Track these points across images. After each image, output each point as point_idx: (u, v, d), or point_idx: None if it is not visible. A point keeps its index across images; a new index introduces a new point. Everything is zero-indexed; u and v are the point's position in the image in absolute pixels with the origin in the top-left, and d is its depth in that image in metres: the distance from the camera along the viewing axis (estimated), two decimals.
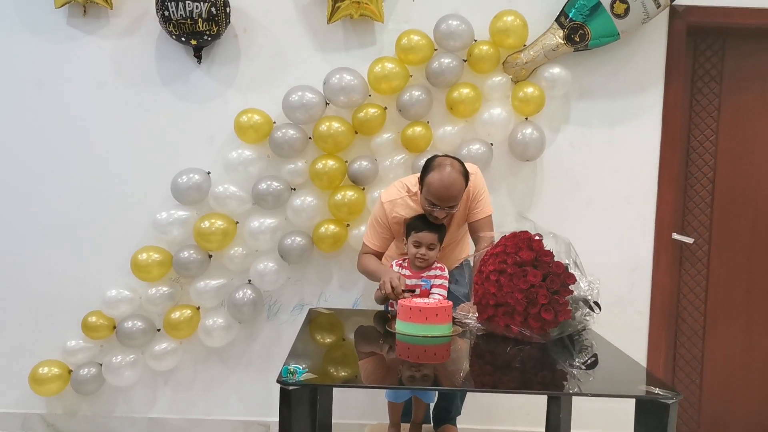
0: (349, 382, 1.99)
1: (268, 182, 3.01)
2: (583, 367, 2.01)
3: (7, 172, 3.17)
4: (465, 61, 3.03)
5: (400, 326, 2.22)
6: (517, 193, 3.18)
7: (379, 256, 2.69)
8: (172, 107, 3.14)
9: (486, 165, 3.01)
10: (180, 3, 2.90)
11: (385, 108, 3.03)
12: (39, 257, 3.19)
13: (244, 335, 3.21)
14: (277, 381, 1.70)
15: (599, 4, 2.92)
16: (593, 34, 2.97)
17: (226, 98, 3.14)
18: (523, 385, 1.90)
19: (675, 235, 3.24)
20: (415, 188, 2.58)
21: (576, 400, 2.55)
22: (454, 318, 2.30)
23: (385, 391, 2.58)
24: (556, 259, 2.16)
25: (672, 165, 3.17)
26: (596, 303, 2.19)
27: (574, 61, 3.08)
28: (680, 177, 3.27)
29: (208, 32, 2.96)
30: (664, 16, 3.07)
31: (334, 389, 2.69)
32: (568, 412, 2.55)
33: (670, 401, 1.68)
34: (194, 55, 3.09)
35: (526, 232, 2.23)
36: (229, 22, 3.02)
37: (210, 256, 3.09)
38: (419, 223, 2.51)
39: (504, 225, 3.03)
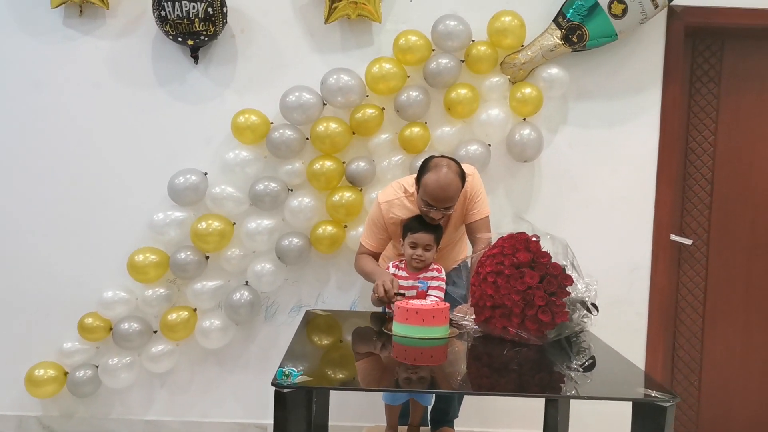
0: (345, 385, 1.98)
1: (266, 183, 3.00)
2: (581, 369, 2.00)
3: (2, 172, 3.16)
4: (463, 61, 3.02)
5: (397, 328, 2.21)
6: (514, 194, 3.17)
7: (375, 256, 2.68)
8: (169, 108, 3.13)
9: (484, 166, 3.00)
10: (177, 3, 2.89)
11: (383, 108, 3.02)
12: (35, 258, 3.18)
13: (241, 337, 3.20)
14: (272, 384, 1.68)
15: (597, 4, 2.91)
16: (591, 35, 2.96)
17: (223, 99, 3.13)
18: (520, 387, 1.89)
19: (673, 237, 3.23)
20: (412, 189, 2.57)
21: (574, 403, 2.54)
22: (451, 320, 2.29)
23: (382, 393, 2.57)
24: (553, 260, 2.15)
25: (670, 166, 3.16)
26: (594, 305, 2.18)
27: (572, 61, 3.07)
28: (679, 178, 3.26)
29: (205, 32, 2.95)
30: (662, 16, 3.07)
31: (331, 391, 2.67)
32: (566, 414, 2.54)
33: (668, 404, 1.67)
34: (191, 56, 3.08)
35: (524, 233, 2.22)
36: (226, 22, 3.00)
37: (207, 258, 3.08)
38: (416, 224, 2.50)
39: (502, 226, 3.00)
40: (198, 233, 2.99)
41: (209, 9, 2.90)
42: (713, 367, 3.33)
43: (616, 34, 2.97)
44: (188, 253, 3.02)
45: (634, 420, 1.80)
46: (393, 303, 2.34)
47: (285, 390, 1.67)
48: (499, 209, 3.08)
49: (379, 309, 2.60)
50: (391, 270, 2.53)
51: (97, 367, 3.11)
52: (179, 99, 3.13)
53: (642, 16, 2.93)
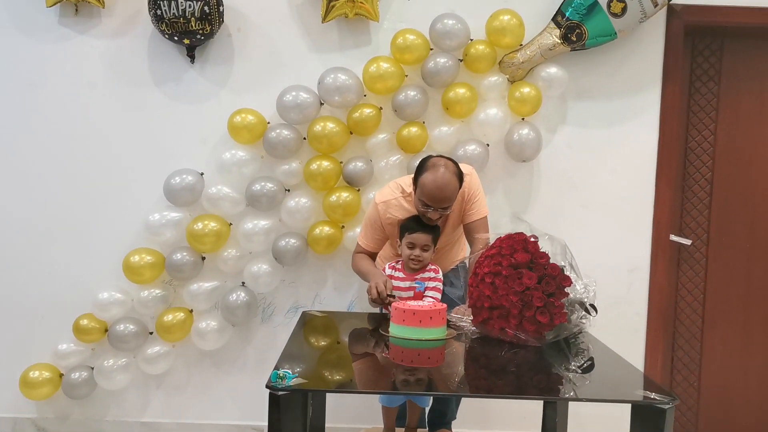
0: (341, 387, 1.96)
1: (262, 183, 2.98)
2: (579, 370, 1.99)
3: None
4: (461, 60, 3.00)
5: (394, 329, 2.19)
6: (513, 194, 3.15)
7: (372, 256, 2.67)
8: (165, 107, 3.11)
9: (482, 166, 2.98)
10: (173, 2, 2.87)
11: (381, 108, 3.00)
12: (29, 259, 3.16)
13: (237, 338, 3.18)
14: (266, 386, 1.66)
15: (596, 3, 2.89)
16: (590, 34, 2.94)
17: (220, 98, 3.11)
18: (518, 389, 1.88)
19: (673, 237, 3.21)
20: (410, 189, 2.55)
21: (572, 404, 2.53)
22: (448, 321, 2.27)
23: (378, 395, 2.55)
24: (551, 261, 2.14)
25: (670, 165, 3.14)
26: (592, 305, 2.17)
27: (571, 60, 3.05)
28: (678, 178, 3.25)
29: (201, 31, 2.92)
30: (661, 15, 3.05)
31: (327, 393, 2.65)
32: (565, 416, 2.52)
33: (667, 406, 1.65)
34: (187, 55, 3.06)
35: (522, 233, 2.20)
36: (223, 21, 2.99)
37: (203, 258, 3.06)
38: (413, 224, 2.48)
39: (500, 226, 2.99)
40: (194, 234, 2.97)
41: (205, 8, 2.88)
42: (713, 368, 3.31)
43: (616, 33, 2.95)
44: (184, 253, 3.00)
45: (633, 422, 1.78)
46: (387, 304, 2.32)
47: (279, 393, 1.65)
48: (497, 209, 3.06)
49: (377, 309, 2.58)
50: (388, 271, 2.51)
51: (93, 368, 3.09)
52: (175, 98, 3.11)
53: (641, 14, 2.92)
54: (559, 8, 2.96)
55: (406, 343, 2.14)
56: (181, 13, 2.87)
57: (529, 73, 3.03)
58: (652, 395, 1.69)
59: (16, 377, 3.07)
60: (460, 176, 2.44)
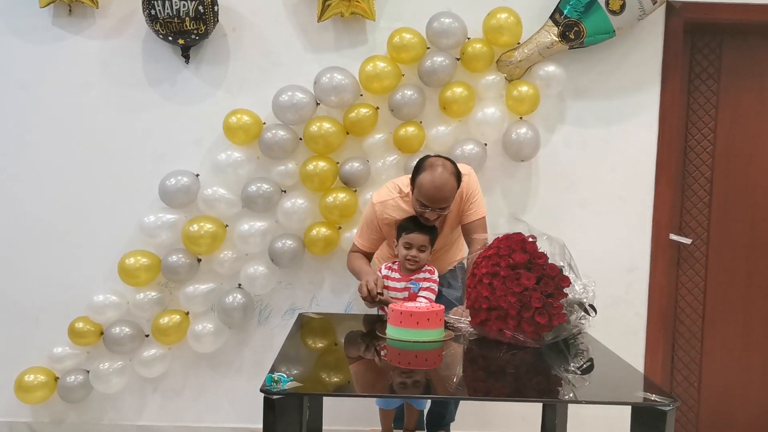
0: (336, 391, 1.93)
1: (258, 184, 2.96)
2: (579, 372, 1.96)
3: None
4: (458, 59, 2.98)
5: (391, 331, 2.16)
6: (511, 194, 3.13)
7: (368, 256, 2.65)
8: (160, 108, 3.09)
9: (480, 165, 2.96)
10: (167, 1, 2.85)
11: (377, 108, 2.98)
12: (24, 261, 3.13)
13: (234, 341, 3.16)
14: (261, 390, 1.64)
15: (594, 0, 2.87)
16: (588, 32, 2.92)
17: (215, 99, 3.08)
18: (516, 391, 1.85)
19: (672, 236, 3.19)
20: (407, 189, 2.53)
21: (572, 405, 2.50)
22: (446, 322, 2.24)
23: None
24: (550, 261, 2.11)
25: (669, 164, 3.12)
26: (591, 306, 2.14)
27: (569, 59, 3.03)
28: (677, 177, 3.22)
29: (195, 31, 2.90)
30: (660, 12, 3.03)
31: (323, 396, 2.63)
32: (564, 417, 2.50)
33: (667, 408, 1.62)
34: (182, 55, 3.04)
35: (520, 233, 2.18)
36: (218, 20, 2.96)
37: (199, 260, 3.04)
38: (410, 224, 2.46)
39: (498, 227, 2.97)
40: (190, 236, 2.94)
41: (200, 7, 2.86)
42: (713, 368, 3.29)
43: (614, 31, 2.92)
44: (180, 255, 2.98)
45: (634, 424, 1.76)
46: (377, 302, 2.32)
47: (274, 396, 1.62)
48: (495, 209, 3.04)
49: (374, 310, 2.55)
50: (384, 271, 2.48)
51: (88, 372, 3.06)
52: (170, 99, 3.09)
53: (640, 12, 2.89)
54: (557, 6, 2.94)
55: (404, 345, 2.11)
56: (175, 13, 2.85)
57: (526, 72, 3.01)
58: (653, 397, 1.67)
59: (11, 381, 3.04)
60: (458, 176, 2.42)
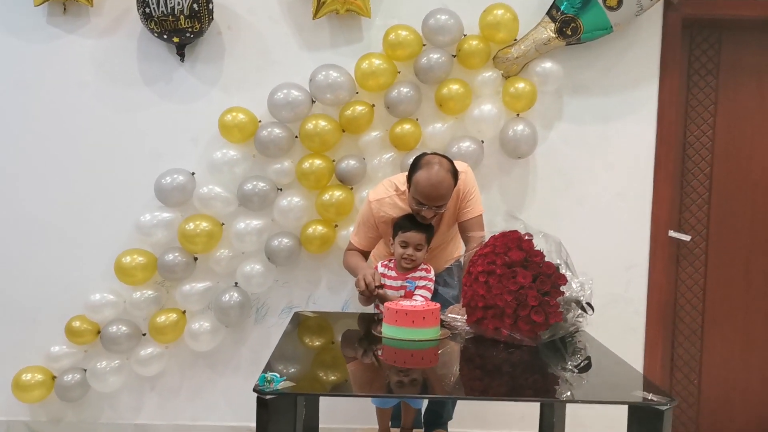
0: (331, 390, 1.92)
1: (254, 182, 2.95)
2: (576, 370, 1.95)
3: None
4: (454, 56, 2.96)
5: (387, 330, 2.15)
6: (509, 192, 3.11)
7: (364, 255, 2.63)
8: (155, 107, 3.08)
9: (477, 163, 2.95)
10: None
11: (373, 105, 2.96)
12: (20, 261, 3.12)
13: (231, 339, 3.15)
14: (254, 390, 1.63)
15: None
16: (586, 28, 2.90)
17: (210, 97, 3.07)
18: (513, 390, 1.84)
19: (671, 233, 3.17)
20: (404, 187, 2.52)
21: (570, 404, 2.48)
22: (442, 321, 2.23)
23: None
24: (546, 259, 2.09)
25: (668, 161, 3.10)
26: (589, 304, 2.13)
27: (567, 55, 3.01)
28: (676, 173, 3.20)
29: (190, 29, 2.88)
30: (658, 8, 3.01)
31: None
32: (562, 415, 2.49)
33: (665, 407, 1.61)
34: (177, 53, 3.02)
35: (516, 231, 2.17)
36: (213, 18, 2.95)
37: (195, 259, 3.03)
38: (407, 222, 2.44)
39: (495, 225, 2.94)
40: (186, 234, 2.93)
41: (194, 5, 2.84)
42: (713, 366, 3.28)
43: (612, 27, 2.90)
44: (176, 254, 2.97)
45: (630, 422, 1.74)
46: (375, 296, 2.31)
47: (267, 396, 1.61)
48: (493, 207, 3.02)
49: (370, 308, 2.54)
50: (380, 270, 2.48)
51: (86, 371, 3.06)
52: (165, 98, 3.08)
53: (638, 7, 2.87)
54: (554, 2, 2.92)
55: (399, 344, 2.10)
56: (169, 11, 2.83)
57: (523, 69, 2.99)
58: (650, 396, 1.65)
59: (8, 380, 3.04)
60: (454, 174, 2.41)
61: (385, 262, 2.50)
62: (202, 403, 3.18)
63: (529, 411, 2.89)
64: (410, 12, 2.98)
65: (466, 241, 2.57)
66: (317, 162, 2.94)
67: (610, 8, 2.86)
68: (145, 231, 3.00)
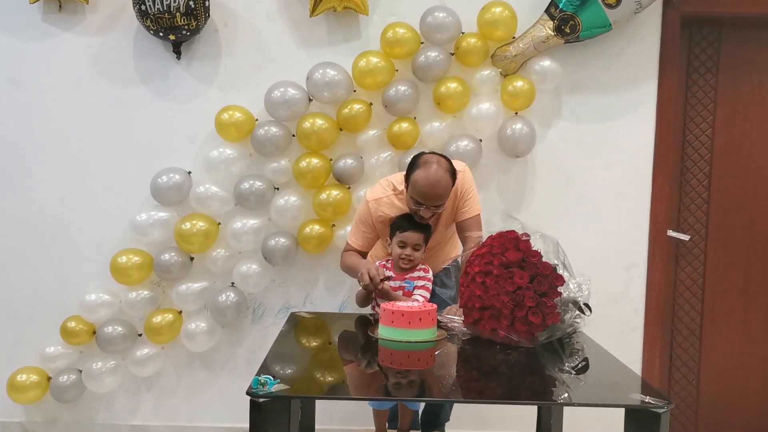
0: (326, 393, 1.90)
1: (251, 182, 2.93)
2: (573, 372, 1.93)
3: None
4: (452, 54, 2.94)
5: (383, 331, 2.13)
6: (507, 191, 3.09)
7: (362, 255, 2.61)
8: (152, 105, 3.06)
9: (475, 162, 2.93)
10: None
11: (371, 104, 2.94)
12: (15, 260, 3.11)
13: (228, 340, 3.13)
14: (247, 393, 1.61)
15: None
16: (584, 25, 2.87)
17: (207, 95, 3.05)
18: (510, 392, 1.82)
19: (670, 232, 3.15)
20: (402, 186, 2.50)
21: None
22: (439, 322, 2.21)
23: None
24: (544, 259, 2.08)
25: (667, 160, 3.08)
26: (587, 304, 2.11)
27: (565, 53, 2.99)
28: (675, 172, 3.18)
29: (186, 27, 2.86)
30: (657, 5, 2.98)
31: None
32: (560, 416, 2.47)
33: (662, 411, 1.59)
34: (173, 51, 3.00)
35: (513, 231, 2.15)
36: (209, 16, 2.92)
37: (192, 259, 3.01)
38: (405, 222, 2.43)
39: (494, 224, 2.92)
40: (182, 234, 2.91)
41: (191, 2, 2.82)
42: (712, 366, 3.26)
43: (611, 25, 2.88)
44: (172, 254, 2.96)
45: (628, 425, 1.73)
46: (379, 291, 2.29)
47: (260, 399, 1.59)
48: (491, 206, 2.99)
49: (366, 310, 2.52)
50: None
51: (81, 371, 3.04)
52: (162, 96, 3.06)
53: (637, 5, 2.85)
54: None
55: (396, 345, 2.08)
56: (165, 9, 2.81)
57: (522, 67, 2.97)
58: (647, 399, 1.63)
59: (3, 381, 3.03)
60: (453, 173, 2.39)
61: (383, 263, 2.48)
62: (199, 403, 3.17)
63: (527, 412, 2.88)
64: (408, 9, 2.96)
65: (464, 241, 2.56)
66: (314, 161, 2.92)
67: (609, 6, 2.84)
68: (141, 230, 2.98)
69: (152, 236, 2.98)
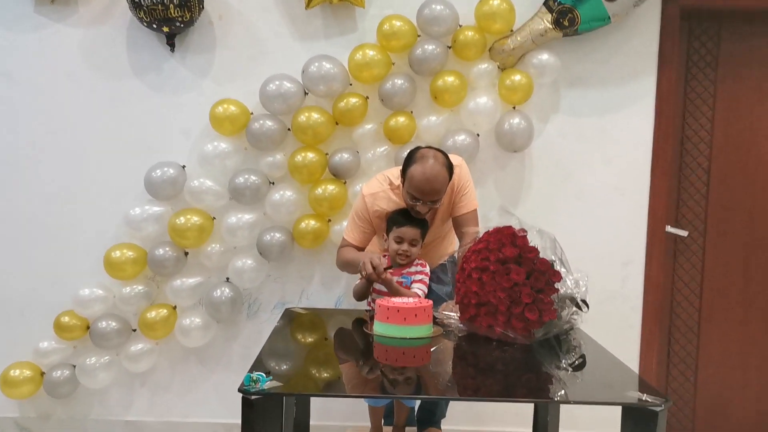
0: (319, 390, 1.88)
1: (246, 176, 2.90)
2: (570, 369, 1.91)
3: None
4: (449, 47, 2.91)
5: (378, 327, 2.10)
6: (504, 186, 3.07)
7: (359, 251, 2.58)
8: (145, 98, 3.03)
9: (472, 156, 2.90)
10: None
11: (367, 97, 2.92)
12: (8, 256, 3.08)
13: (222, 335, 3.11)
14: (239, 390, 1.59)
15: None
16: (583, 18, 2.84)
17: (201, 88, 3.02)
18: (506, 389, 1.81)
19: (669, 228, 3.13)
20: (398, 181, 2.48)
21: None
22: (435, 318, 2.19)
23: None
24: (541, 255, 2.05)
25: (665, 155, 3.06)
26: (584, 301, 2.09)
27: (564, 47, 2.96)
28: (674, 167, 3.16)
29: (180, 18, 2.83)
30: None
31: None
32: (556, 413, 2.45)
33: (659, 408, 1.57)
34: (167, 43, 2.97)
35: (510, 227, 2.12)
36: (203, 8, 2.90)
37: (186, 254, 2.99)
38: (401, 217, 2.40)
39: (490, 219, 2.90)
40: (176, 228, 2.89)
41: None
42: (709, 363, 3.24)
43: (610, 18, 2.85)
44: (167, 249, 2.93)
45: (624, 423, 1.70)
46: (383, 280, 2.27)
47: (252, 397, 1.57)
48: (488, 202, 2.97)
49: (362, 305, 2.50)
50: None
51: (75, 366, 3.02)
52: (155, 89, 3.03)
53: None
54: None
55: (391, 341, 2.06)
56: (159, 0, 2.77)
57: (520, 60, 2.94)
58: (645, 397, 1.61)
59: None
60: (450, 168, 2.37)
61: (379, 256, 2.45)
62: (193, 399, 3.15)
63: (524, 408, 2.85)
64: (405, 2, 2.92)
65: (461, 236, 2.53)
66: (310, 155, 2.89)
67: None
68: (134, 225, 2.95)
69: (146, 231, 2.95)
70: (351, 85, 2.92)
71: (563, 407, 2.48)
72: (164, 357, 3.11)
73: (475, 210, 2.53)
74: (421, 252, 2.46)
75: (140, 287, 2.98)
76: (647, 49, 3.01)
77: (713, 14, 3.09)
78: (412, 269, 2.41)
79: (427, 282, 2.43)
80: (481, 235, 2.25)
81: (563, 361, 1.98)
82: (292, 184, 2.96)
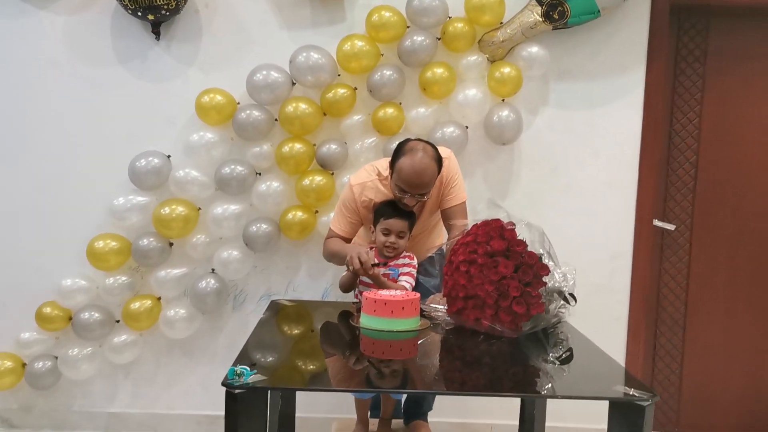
0: (304, 384, 1.87)
1: (232, 166, 2.88)
2: (557, 362, 1.91)
3: None
4: (439, 39, 2.89)
5: (365, 320, 2.09)
6: (492, 179, 3.06)
7: (346, 242, 2.56)
8: (130, 87, 2.99)
9: (460, 149, 2.89)
10: None
11: (355, 88, 2.89)
12: None
13: (208, 327, 3.09)
14: (222, 384, 1.57)
15: None
16: (573, 11, 2.83)
17: (187, 77, 2.98)
18: (493, 383, 1.80)
19: (656, 222, 3.14)
20: (386, 172, 2.46)
21: None
22: (422, 311, 2.18)
23: None
24: (529, 248, 2.04)
25: (654, 148, 3.06)
26: (572, 294, 2.09)
27: (553, 40, 2.95)
28: (662, 161, 3.17)
29: (166, 6, 2.78)
30: None
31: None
32: (543, 406, 2.45)
33: (646, 403, 1.57)
34: (152, 31, 2.92)
35: (498, 220, 2.11)
36: None
37: (171, 244, 2.95)
38: (389, 209, 2.38)
39: (479, 212, 2.90)
40: (161, 219, 2.86)
41: None
42: (695, 355, 3.26)
43: (599, 11, 2.84)
44: (151, 239, 2.90)
45: (611, 417, 1.71)
46: (371, 275, 2.25)
47: (236, 390, 1.55)
48: (476, 194, 2.96)
49: (349, 296, 2.49)
50: None
51: (57, 358, 2.99)
52: (140, 77, 2.99)
53: None
54: None
55: (378, 334, 2.05)
56: None
57: (509, 53, 2.93)
58: (632, 392, 1.61)
59: None
60: (439, 161, 2.35)
61: (366, 250, 2.44)
62: (178, 391, 3.13)
63: (510, 401, 2.86)
64: None
65: (449, 229, 2.52)
66: (297, 146, 2.86)
67: None
68: (118, 215, 2.92)
69: (130, 221, 2.92)
70: (339, 75, 2.89)
71: (550, 400, 2.48)
72: (148, 348, 3.08)
73: (464, 202, 2.52)
74: (409, 244, 2.45)
75: (124, 278, 2.95)
76: (636, 43, 3.00)
77: (702, 9, 3.08)
78: (400, 261, 2.40)
79: (415, 275, 2.41)
80: (469, 227, 2.24)
81: (550, 354, 1.98)
82: (279, 174, 2.93)
